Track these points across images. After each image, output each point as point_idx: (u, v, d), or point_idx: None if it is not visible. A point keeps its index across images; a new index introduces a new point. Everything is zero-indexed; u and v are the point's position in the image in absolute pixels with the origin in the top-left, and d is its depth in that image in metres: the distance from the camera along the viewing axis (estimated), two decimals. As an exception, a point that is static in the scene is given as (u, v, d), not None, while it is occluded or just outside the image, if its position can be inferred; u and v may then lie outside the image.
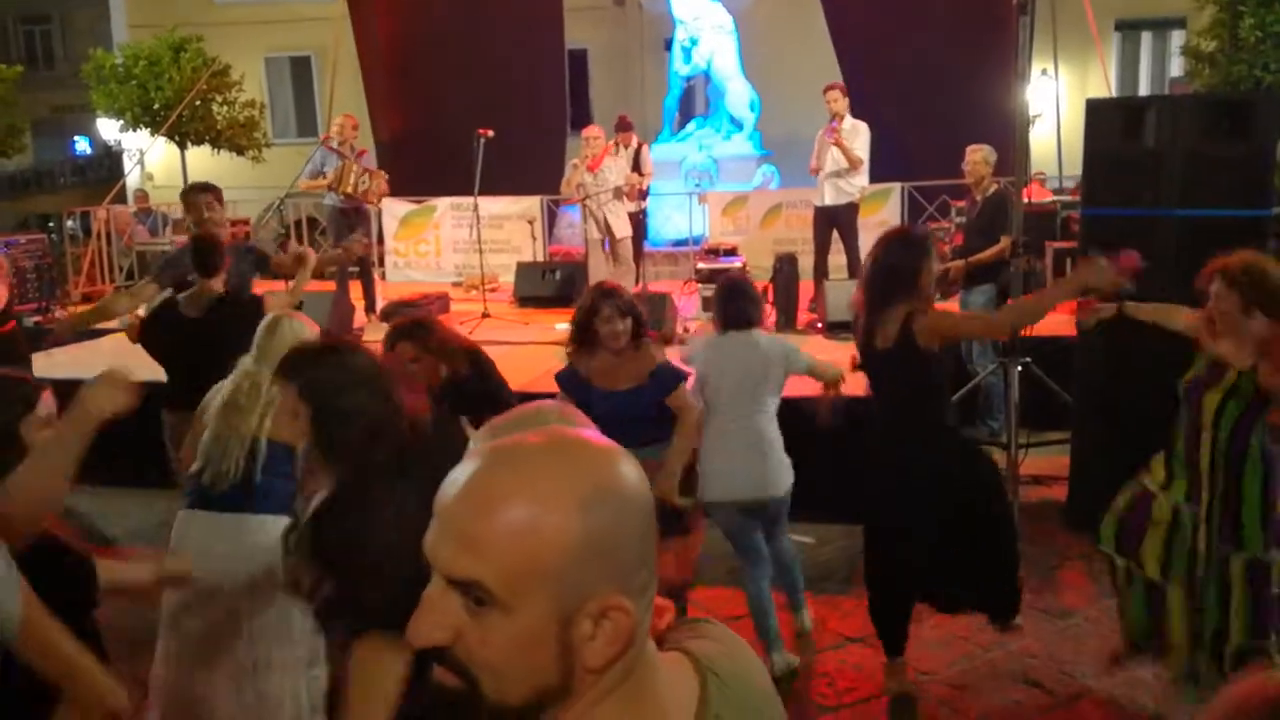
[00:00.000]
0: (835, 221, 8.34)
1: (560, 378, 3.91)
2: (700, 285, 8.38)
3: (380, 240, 11.65)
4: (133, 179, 17.64)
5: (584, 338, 3.83)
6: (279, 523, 3.11)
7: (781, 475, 3.97)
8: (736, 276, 4.54)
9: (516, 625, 0.85)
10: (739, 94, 13.29)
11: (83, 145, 31.09)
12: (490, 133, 8.70)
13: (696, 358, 4.08)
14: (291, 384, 2.21)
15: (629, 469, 0.90)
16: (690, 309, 8.51)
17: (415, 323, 3.67)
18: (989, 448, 6.14)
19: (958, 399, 6.33)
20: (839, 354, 6.83)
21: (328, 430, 2.13)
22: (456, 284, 10.87)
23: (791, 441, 4.03)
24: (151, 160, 16.99)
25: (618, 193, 8.49)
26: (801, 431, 4.17)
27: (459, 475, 0.88)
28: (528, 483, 0.85)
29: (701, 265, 8.72)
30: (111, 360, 5.29)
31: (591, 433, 0.95)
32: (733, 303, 4.05)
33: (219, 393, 3.33)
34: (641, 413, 3.67)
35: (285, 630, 3.05)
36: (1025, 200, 6.02)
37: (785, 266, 7.79)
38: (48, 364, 7.18)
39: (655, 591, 0.92)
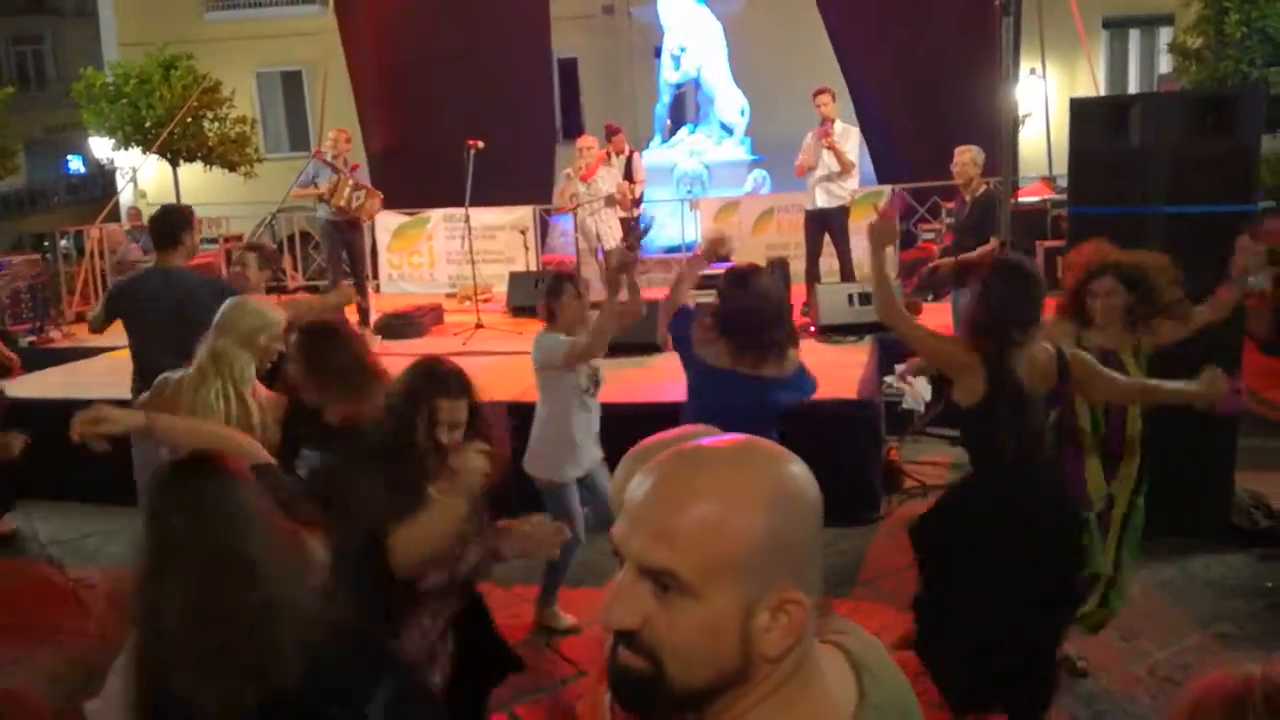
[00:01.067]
0: (827, 225, 8.36)
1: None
2: (695, 292, 8.38)
3: (374, 253, 11.65)
4: (125, 197, 17.64)
5: None
6: None
7: None
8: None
9: (704, 612, 0.93)
10: (729, 100, 13.32)
11: (75, 164, 31.13)
12: (480, 144, 8.72)
13: None
14: None
15: (802, 471, 1.00)
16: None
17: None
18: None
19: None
20: (831, 356, 6.87)
21: None
22: (450, 295, 10.89)
23: (793, 444, 3.98)
24: (144, 178, 16.98)
25: (609, 201, 8.52)
26: (802, 434, 4.17)
27: (649, 477, 0.97)
28: (718, 482, 0.95)
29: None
30: (104, 380, 5.28)
31: (765, 439, 1.04)
32: None
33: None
34: None
35: None
36: (1014, 200, 6.05)
37: (777, 271, 7.79)
38: (41, 384, 7.19)
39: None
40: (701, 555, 0.92)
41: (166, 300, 4.54)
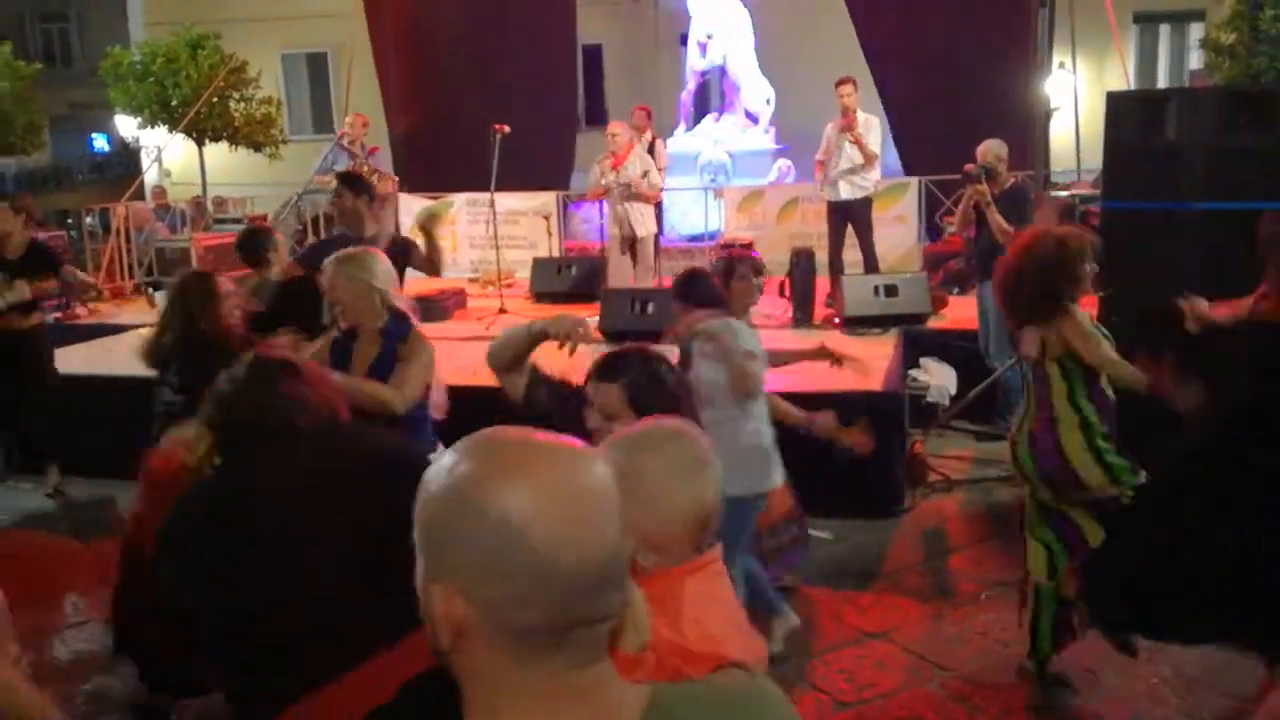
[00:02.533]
0: (850, 216, 8.32)
1: None
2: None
3: (396, 238, 11.64)
4: (151, 175, 17.74)
5: None
6: None
7: None
8: None
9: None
10: (755, 88, 13.25)
11: (100, 142, 31.29)
12: (506, 129, 8.72)
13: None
14: None
15: (522, 485, 0.96)
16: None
17: None
18: (1003, 444, 6.15)
19: (976, 394, 6.35)
20: (855, 348, 6.82)
21: None
22: (473, 279, 10.89)
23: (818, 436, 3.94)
24: (169, 157, 17.05)
25: (625, 190, 8.44)
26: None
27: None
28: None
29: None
30: (129, 358, 5.38)
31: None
32: None
33: None
34: None
35: None
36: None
37: (802, 261, 7.76)
38: (67, 361, 7.23)
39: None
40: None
41: None
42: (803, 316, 7.86)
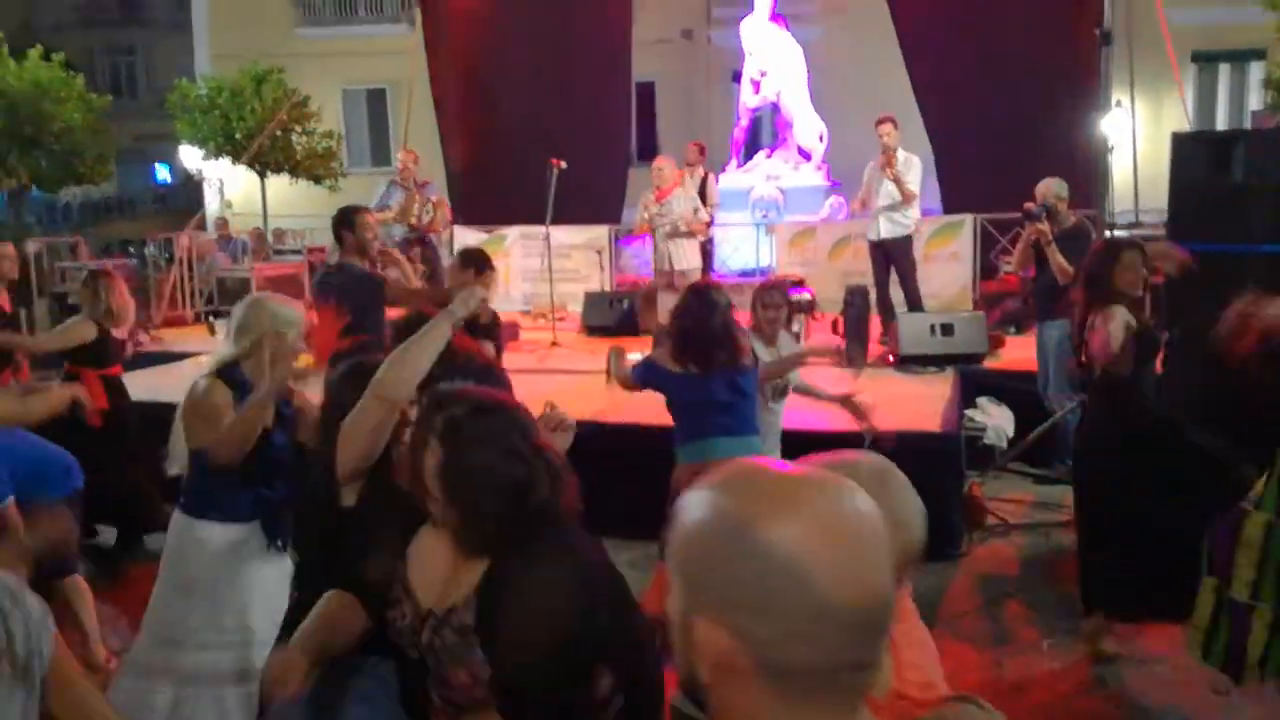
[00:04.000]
0: (890, 255, 8.30)
1: None
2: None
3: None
4: (213, 206, 18.19)
5: None
6: (215, 529, 3.21)
7: None
8: None
9: (670, 604, 0.97)
10: (808, 125, 13.29)
11: (164, 173, 32.10)
12: (563, 164, 8.84)
13: None
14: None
15: (786, 528, 0.95)
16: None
17: None
18: (1066, 487, 6.04)
19: (1036, 436, 6.25)
20: (911, 388, 6.78)
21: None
22: (525, 313, 10.99)
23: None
24: (232, 189, 17.48)
25: (668, 225, 8.46)
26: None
27: None
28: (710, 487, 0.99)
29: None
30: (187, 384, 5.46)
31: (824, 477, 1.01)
32: None
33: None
34: None
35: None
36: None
37: (857, 299, 7.73)
38: (132, 386, 7.38)
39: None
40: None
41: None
42: (856, 353, 7.82)
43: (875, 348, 7.85)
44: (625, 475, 4.90)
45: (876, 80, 13.23)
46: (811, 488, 0.93)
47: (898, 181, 7.99)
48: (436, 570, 1.99)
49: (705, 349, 3.98)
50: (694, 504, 0.95)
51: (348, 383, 2.45)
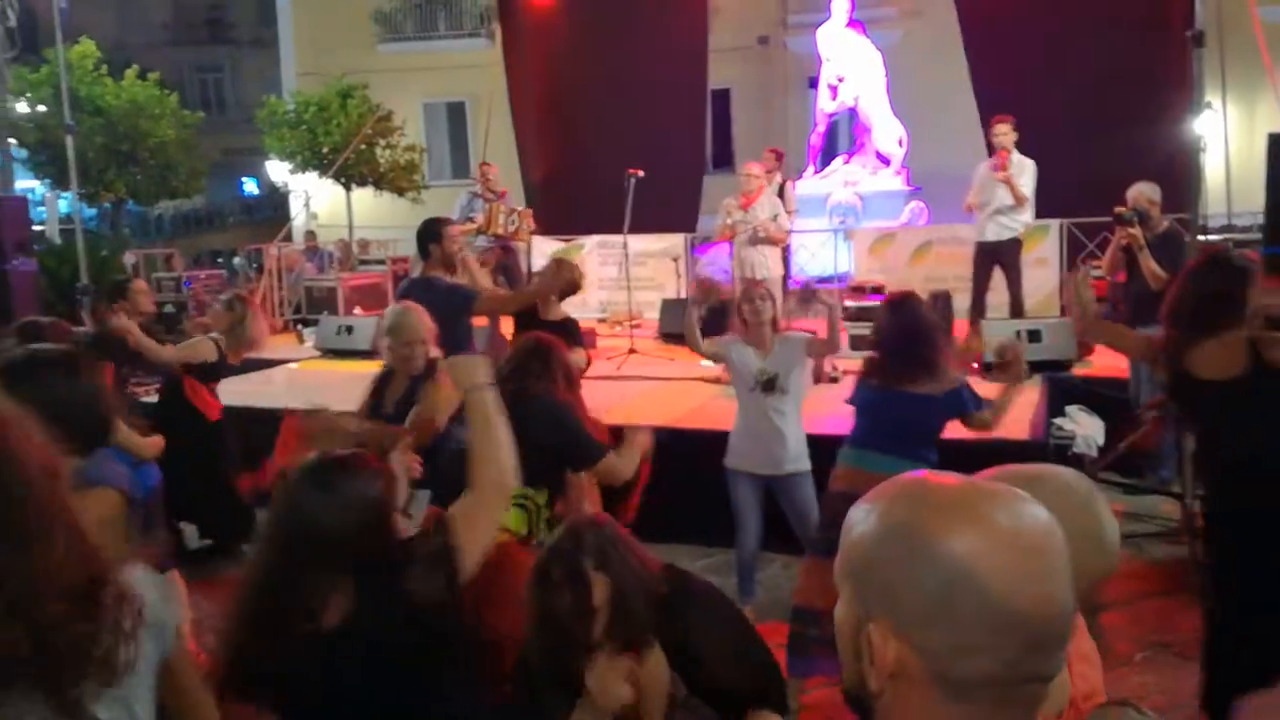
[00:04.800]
0: (998, 258, 8.12)
1: None
2: (848, 324, 8.28)
3: (530, 277, 11.99)
4: (299, 218, 18.70)
5: None
6: None
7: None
8: None
9: (838, 610, 0.99)
10: (887, 130, 13.15)
11: (250, 186, 33.08)
12: (641, 172, 8.90)
13: None
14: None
15: (966, 536, 0.96)
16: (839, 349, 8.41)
17: None
18: (1160, 497, 5.89)
19: (1127, 446, 6.10)
20: (994, 394, 6.65)
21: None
22: (602, 320, 11.08)
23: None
24: (318, 201, 17.94)
25: (751, 232, 8.43)
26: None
27: None
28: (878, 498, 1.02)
29: (849, 303, 8.62)
30: (286, 390, 5.60)
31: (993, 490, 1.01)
32: None
33: None
34: None
35: None
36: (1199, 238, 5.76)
37: (939, 305, 7.62)
38: (225, 392, 7.64)
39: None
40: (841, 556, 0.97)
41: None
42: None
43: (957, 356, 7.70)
44: (703, 482, 4.93)
45: (957, 82, 13.04)
46: (987, 498, 0.93)
47: (1010, 184, 7.83)
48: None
49: (891, 366, 3.93)
50: (867, 513, 0.95)
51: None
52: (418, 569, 2.02)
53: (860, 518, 0.95)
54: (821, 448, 4.49)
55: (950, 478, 0.96)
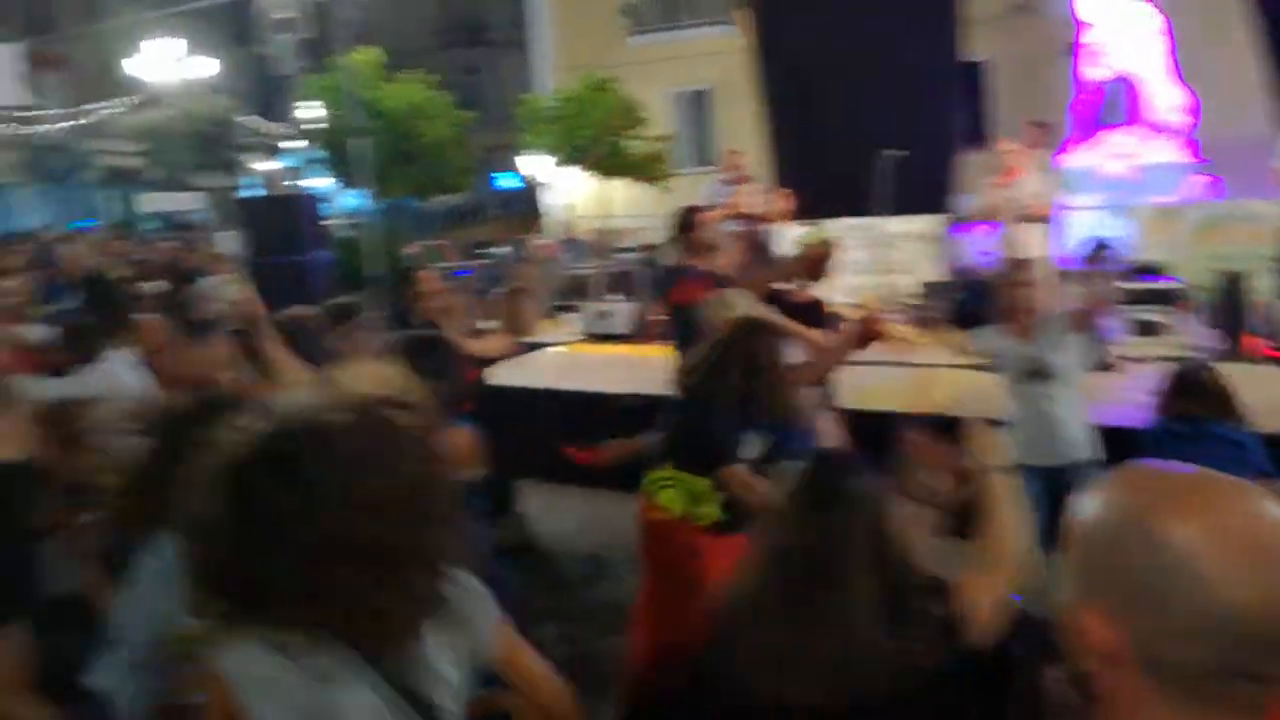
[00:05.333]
0: None
1: None
2: (1125, 307, 7.77)
3: (778, 261, 11.99)
4: (554, 210, 19.57)
5: None
6: None
7: None
8: None
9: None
10: (1164, 97, 12.19)
11: (507, 181, 34.81)
12: (896, 152, 8.71)
13: None
14: None
15: (1186, 526, 0.96)
16: (1113, 333, 7.92)
17: None
18: None
19: None
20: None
21: None
22: (852, 305, 10.91)
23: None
24: (572, 193, 18.69)
25: (1015, 216, 8.07)
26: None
27: None
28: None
29: (1122, 285, 8.07)
30: (558, 371, 5.88)
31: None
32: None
33: None
34: None
35: None
36: None
37: (1231, 286, 7.02)
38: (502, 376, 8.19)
39: None
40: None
41: None
42: (1229, 346, 7.12)
43: (1254, 339, 7.08)
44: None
45: (1248, 44, 11.88)
46: (1221, 490, 0.93)
47: None
48: None
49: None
50: (1097, 496, 0.96)
51: None
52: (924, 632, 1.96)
53: (1090, 501, 0.96)
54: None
55: (1184, 467, 0.96)
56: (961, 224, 11.64)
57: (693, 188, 15.42)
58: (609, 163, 16.38)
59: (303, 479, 1.39)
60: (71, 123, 25.89)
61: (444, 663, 1.64)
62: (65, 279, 8.57)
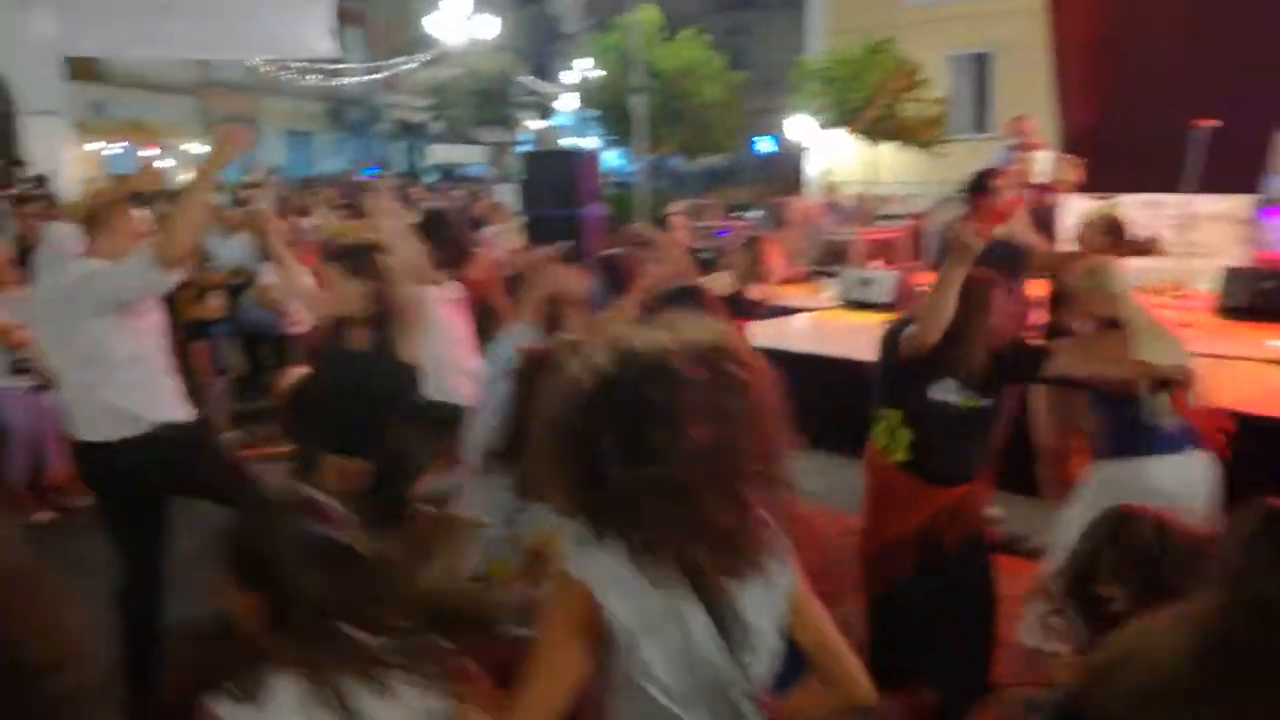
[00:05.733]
0: None
1: None
2: None
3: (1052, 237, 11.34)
4: (815, 174, 19.33)
5: None
6: None
7: None
8: None
9: None
10: None
11: (765, 144, 34.63)
12: (1211, 124, 7.99)
13: None
14: None
15: None
16: None
17: None
18: None
19: None
20: None
21: None
22: (1140, 288, 10.16)
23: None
24: (838, 157, 18.39)
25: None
26: None
27: None
28: None
29: None
30: (809, 336, 5.82)
31: None
32: None
33: None
34: None
35: None
36: None
37: None
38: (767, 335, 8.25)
39: None
40: None
41: None
42: None
43: None
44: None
45: None
46: None
47: None
48: None
49: None
50: None
51: None
52: None
53: None
54: None
55: None
56: (1273, 206, 10.55)
57: (968, 155, 14.76)
58: (881, 126, 15.92)
59: (671, 405, 1.53)
60: (370, 77, 28.00)
61: (762, 616, 1.71)
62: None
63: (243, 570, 1.74)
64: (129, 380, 3.71)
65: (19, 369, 5.72)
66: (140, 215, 4.11)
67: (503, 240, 9.40)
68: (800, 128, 19.33)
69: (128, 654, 3.66)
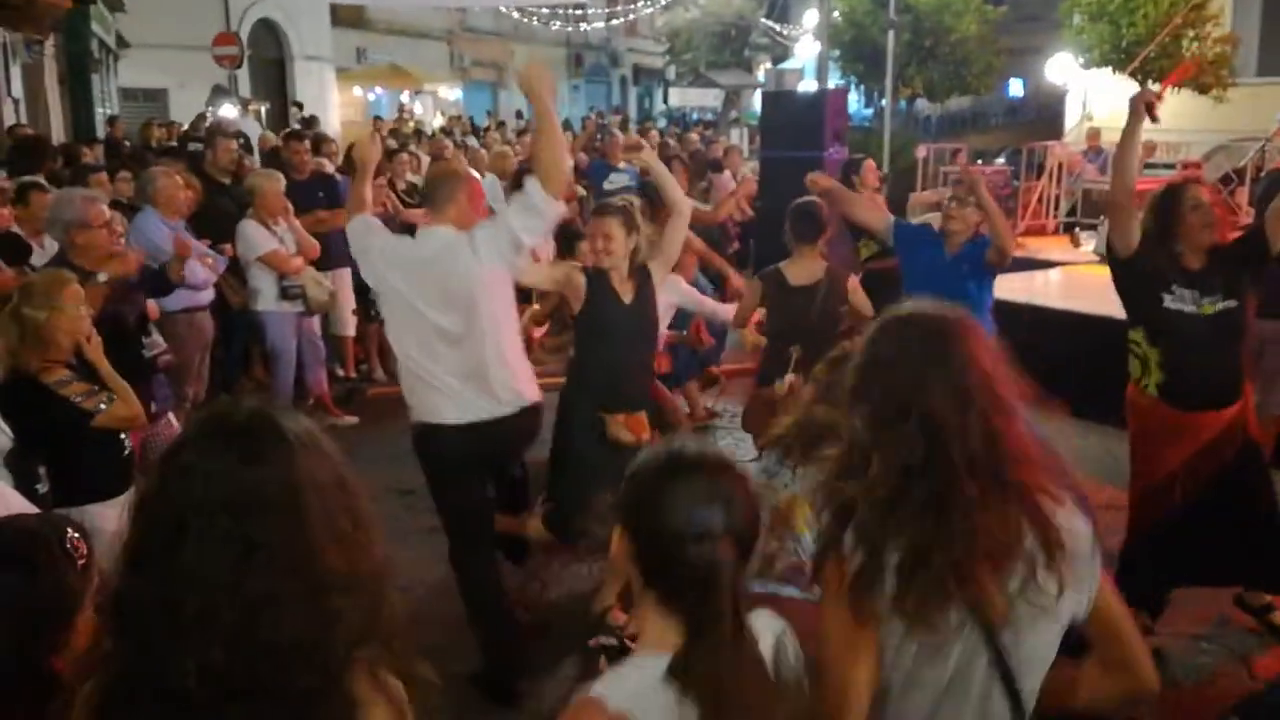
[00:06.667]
0: None
1: None
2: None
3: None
4: (1071, 117, 17.88)
5: None
6: None
7: None
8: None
9: None
10: None
11: (1016, 87, 32.26)
12: None
13: None
14: None
15: None
16: None
17: None
18: None
19: None
20: None
21: None
22: None
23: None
24: (1103, 101, 16.88)
25: None
26: None
27: None
28: None
29: None
30: (1058, 291, 5.34)
31: None
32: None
33: None
34: None
35: None
36: None
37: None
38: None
39: None
40: None
41: None
42: None
43: None
44: None
45: None
46: None
47: None
48: None
49: None
50: None
51: None
52: None
53: None
54: None
55: None
56: None
57: (1255, 100, 13.18)
58: (1157, 65, 14.35)
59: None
60: (613, 21, 28.23)
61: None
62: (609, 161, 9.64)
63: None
64: (516, 350, 3.60)
65: (288, 295, 6.08)
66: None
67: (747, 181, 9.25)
68: (1062, 68, 17.90)
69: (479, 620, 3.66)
